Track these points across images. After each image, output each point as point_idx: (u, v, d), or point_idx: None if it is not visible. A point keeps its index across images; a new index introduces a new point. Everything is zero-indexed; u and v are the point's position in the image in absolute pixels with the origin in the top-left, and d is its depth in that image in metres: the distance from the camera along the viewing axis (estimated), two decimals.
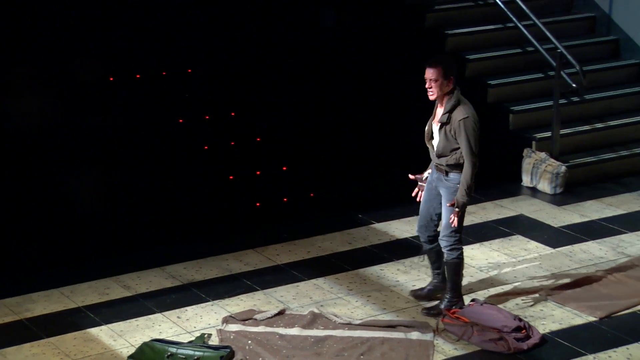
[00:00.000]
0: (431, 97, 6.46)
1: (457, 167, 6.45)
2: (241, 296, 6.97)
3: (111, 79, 8.75)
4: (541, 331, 6.50)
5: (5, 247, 7.56)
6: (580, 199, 8.83)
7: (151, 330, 6.51)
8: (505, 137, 9.36)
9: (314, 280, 7.21)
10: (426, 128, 6.60)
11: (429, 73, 6.38)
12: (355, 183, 8.99)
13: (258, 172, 8.88)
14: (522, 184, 9.15)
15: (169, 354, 6.12)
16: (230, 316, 6.64)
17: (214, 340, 6.37)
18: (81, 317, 6.68)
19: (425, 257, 6.88)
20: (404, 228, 8.11)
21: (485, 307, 6.61)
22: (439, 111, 6.49)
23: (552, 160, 9.03)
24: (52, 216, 8.00)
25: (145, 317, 6.68)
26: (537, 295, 6.98)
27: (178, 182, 8.59)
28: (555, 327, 6.60)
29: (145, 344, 6.22)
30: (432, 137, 6.57)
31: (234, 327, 6.49)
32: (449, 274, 6.65)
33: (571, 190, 8.96)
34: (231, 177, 8.77)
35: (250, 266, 7.43)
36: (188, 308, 6.81)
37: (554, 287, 7.10)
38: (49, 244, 7.69)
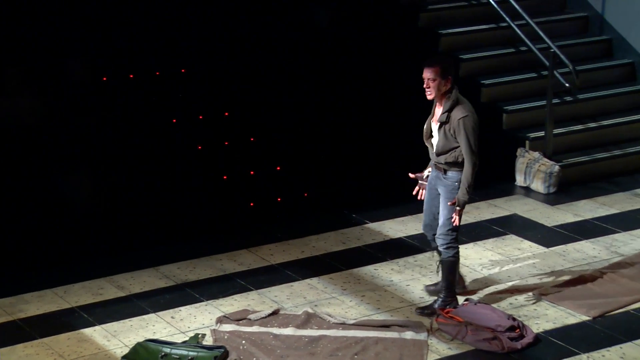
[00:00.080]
0: (429, 97, 6.47)
1: (455, 165, 6.47)
2: (235, 296, 6.97)
3: (104, 79, 8.74)
4: (535, 330, 6.51)
5: None
6: (574, 198, 8.85)
7: (145, 331, 6.51)
8: (498, 136, 9.37)
9: (308, 280, 7.21)
10: (425, 127, 6.62)
11: (427, 73, 6.40)
12: (349, 183, 8.99)
13: (252, 172, 8.87)
14: (515, 183, 9.16)
15: (162, 354, 6.11)
16: (224, 316, 6.64)
17: (208, 340, 6.37)
18: (75, 317, 6.67)
19: (435, 253, 6.91)
20: (397, 228, 8.12)
21: (479, 306, 6.62)
22: (438, 110, 6.50)
23: (546, 159, 9.04)
24: (45, 216, 7.98)
25: (139, 318, 6.67)
26: (530, 294, 6.99)
27: (172, 182, 8.58)
28: (549, 326, 6.61)
29: (139, 344, 6.22)
30: (430, 136, 6.60)
31: (228, 327, 6.48)
32: (444, 273, 6.67)
33: (564, 190, 8.97)
34: (225, 177, 8.77)
35: (244, 266, 7.43)
36: (182, 308, 6.81)
37: (547, 286, 7.11)
38: (42, 245, 7.68)
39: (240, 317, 6.60)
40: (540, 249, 7.79)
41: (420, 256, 7.60)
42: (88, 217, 8.07)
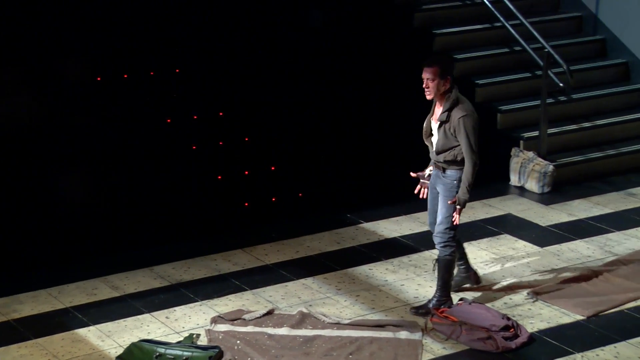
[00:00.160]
0: (428, 97, 6.49)
1: (454, 163, 6.49)
2: (230, 296, 6.97)
3: (99, 79, 8.73)
4: (529, 330, 6.52)
5: None
6: (568, 198, 8.86)
7: (139, 331, 6.50)
8: (493, 136, 9.38)
9: (302, 280, 7.21)
10: (424, 125, 6.64)
11: (426, 73, 6.42)
12: (344, 183, 9.00)
13: (246, 172, 8.87)
14: (510, 183, 9.17)
15: (157, 354, 6.10)
16: (219, 316, 6.63)
17: (203, 341, 6.37)
18: (69, 317, 6.66)
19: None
20: (392, 227, 8.12)
21: (473, 306, 6.62)
22: (438, 109, 6.52)
23: (540, 159, 9.05)
24: (39, 217, 7.97)
25: (133, 318, 6.67)
26: (525, 294, 7.00)
27: (166, 182, 8.58)
28: (543, 325, 6.62)
29: (133, 345, 6.21)
30: (430, 135, 6.62)
31: (222, 327, 6.48)
32: (440, 271, 6.67)
33: (559, 189, 8.98)
34: (220, 177, 8.77)
35: (239, 266, 7.43)
36: (176, 308, 6.80)
37: (542, 286, 7.11)
38: (37, 245, 7.67)
39: (234, 317, 6.59)
40: (535, 248, 7.80)
41: (414, 256, 7.61)
42: (82, 217, 8.06)
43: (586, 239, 7.97)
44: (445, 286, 6.69)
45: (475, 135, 6.41)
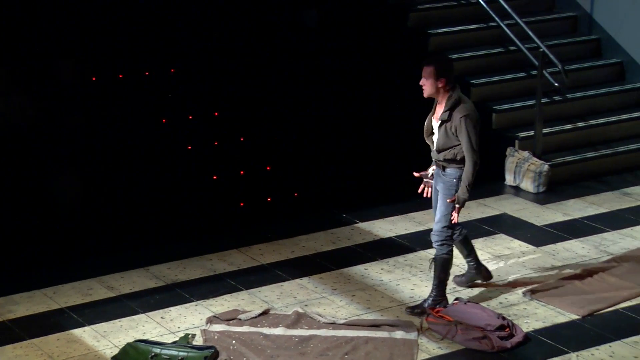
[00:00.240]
0: (424, 95, 6.54)
1: (454, 161, 6.51)
2: (225, 296, 6.97)
3: (93, 79, 8.72)
4: (525, 329, 6.52)
5: None
6: (563, 197, 8.87)
7: (135, 331, 6.49)
8: (488, 136, 9.38)
9: (298, 280, 7.21)
10: (425, 124, 6.67)
11: (423, 71, 6.48)
12: (339, 183, 9.00)
13: (242, 172, 8.87)
14: (505, 183, 9.17)
15: (152, 354, 6.10)
16: (214, 316, 6.63)
17: (198, 341, 6.36)
18: (64, 318, 6.65)
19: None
20: (387, 227, 8.13)
21: (469, 305, 6.63)
22: (439, 108, 6.54)
23: (535, 159, 9.06)
24: (34, 217, 7.96)
25: (128, 318, 6.66)
26: (520, 293, 7.00)
27: (162, 182, 8.58)
28: (538, 325, 6.62)
29: (128, 345, 6.21)
30: (431, 133, 6.64)
31: (218, 327, 6.48)
32: (436, 270, 6.68)
33: (554, 189, 8.99)
34: (215, 177, 8.76)
35: (234, 266, 7.43)
36: (172, 308, 6.80)
37: (537, 285, 7.12)
38: (32, 245, 7.66)
39: (230, 317, 6.59)
40: (530, 248, 7.81)
41: (410, 256, 7.61)
42: (77, 217, 8.06)
43: (581, 239, 7.98)
44: (441, 286, 6.69)
45: (476, 134, 6.46)
